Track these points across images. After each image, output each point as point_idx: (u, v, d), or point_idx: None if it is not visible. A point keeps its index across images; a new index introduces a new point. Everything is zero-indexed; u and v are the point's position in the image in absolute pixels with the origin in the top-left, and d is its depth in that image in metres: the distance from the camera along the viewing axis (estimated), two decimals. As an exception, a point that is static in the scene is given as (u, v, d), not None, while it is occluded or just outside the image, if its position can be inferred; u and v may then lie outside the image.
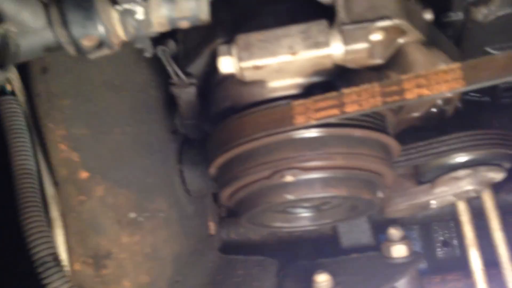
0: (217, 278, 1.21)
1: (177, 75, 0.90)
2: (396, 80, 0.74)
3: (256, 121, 0.80)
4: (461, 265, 1.27)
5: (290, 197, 0.80)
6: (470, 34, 0.98)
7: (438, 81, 0.72)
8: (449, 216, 1.35)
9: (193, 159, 1.12)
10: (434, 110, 1.06)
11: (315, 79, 0.80)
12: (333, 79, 0.80)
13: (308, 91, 0.80)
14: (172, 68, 0.89)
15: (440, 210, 1.37)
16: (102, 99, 0.97)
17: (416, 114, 1.01)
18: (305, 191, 0.80)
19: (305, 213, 0.98)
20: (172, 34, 0.96)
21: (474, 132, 0.97)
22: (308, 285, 1.04)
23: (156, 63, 0.97)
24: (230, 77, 0.82)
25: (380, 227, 1.32)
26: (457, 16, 0.99)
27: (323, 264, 1.20)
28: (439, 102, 1.03)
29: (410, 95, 0.73)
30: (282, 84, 0.81)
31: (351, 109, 0.76)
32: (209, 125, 0.93)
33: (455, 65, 0.72)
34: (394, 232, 1.15)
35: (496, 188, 1.31)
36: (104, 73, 0.98)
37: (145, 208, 1.00)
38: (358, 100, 0.75)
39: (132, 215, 0.97)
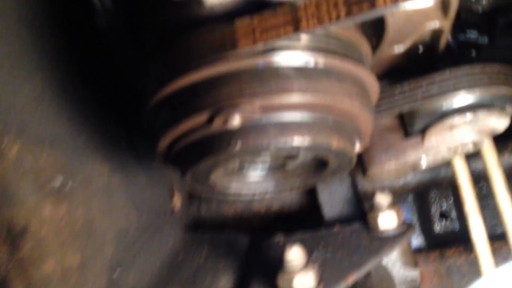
0: (177, 258, 1.04)
1: (101, 1, 0.73)
2: (365, -17, 0.56)
3: (189, 48, 0.63)
4: (461, 240, 1.15)
5: (237, 146, 0.63)
6: None
7: (420, -21, 0.55)
8: (446, 182, 1.19)
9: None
10: (421, 49, 0.88)
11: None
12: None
13: (257, 7, 0.62)
14: (92, -7, 0.72)
15: (436, 174, 1.21)
16: (18, 39, 0.79)
17: (399, 49, 0.84)
18: (256, 138, 0.63)
19: (265, 176, 0.80)
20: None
21: (471, 67, 0.79)
22: (280, 262, 0.88)
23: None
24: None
25: (368, 198, 1.18)
26: None
27: (301, 240, 1.05)
28: (427, 38, 0.86)
29: (382, 2, 0.56)
30: (221, 1, 0.63)
31: (308, 24, 0.58)
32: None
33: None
34: (381, 198, 0.99)
35: (499, 147, 1.16)
36: (21, 9, 0.80)
37: (76, 172, 0.82)
38: (316, 13, 0.58)
39: (58, 181, 0.79)
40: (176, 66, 0.63)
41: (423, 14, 0.80)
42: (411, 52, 0.87)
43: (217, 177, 0.76)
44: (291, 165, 0.80)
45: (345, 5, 0.57)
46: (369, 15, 0.57)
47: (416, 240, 1.34)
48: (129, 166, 0.96)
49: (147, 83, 0.68)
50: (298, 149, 0.66)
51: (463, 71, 0.79)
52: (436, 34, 0.84)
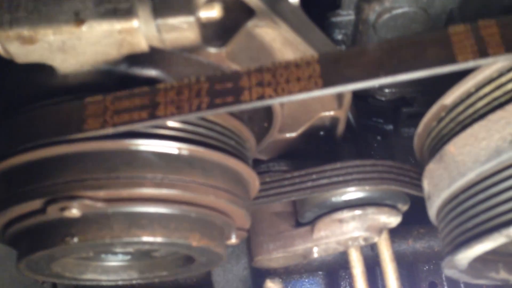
0: None
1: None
2: (231, 74, 0.51)
3: (31, 123, 0.54)
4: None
5: (74, 240, 0.54)
6: (362, 39, 0.78)
7: (288, 79, 0.50)
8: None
9: None
10: (321, 133, 0.84)
11: (125, 67, 0.55)
12: (151, 68, 0.56)
13: (120, 83, 0.55)
14: None
15: (342, 255, 1.15)
16: None
17: (292, 135, 0.79)
18: (97, 232, 0.54)
19: (129, 262, 0.71)
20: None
21: (362, 162, 0.75)
22: None
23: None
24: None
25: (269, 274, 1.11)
26: (348, 15, 0.78)
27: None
28: (326, 123, 0.82)
29: (247, 96, 0.50)
30: (77, 71, 0.55)
31: (166, 112, 0.51)
32: None
33: (312, 58, 0.49)
34: (271, 286, 0.91)
35: (403, 234, 1.13)
36: None
37: None
38: (176, 100, 0.51)
39: None
40: (13, 142, 0.54)
41: (319, 102, 0.76)
42: (310, 135, 0.82)
43: (66, 264, 0.66)
44: (158, 254, 0.71)
45: (208, 95, 0.51)
46: (233, 108, 0.51)
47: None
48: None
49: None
50: (149, 246, 0.57)
51: (354, 165, 0.75)
52: (335, 121, 0.81)
